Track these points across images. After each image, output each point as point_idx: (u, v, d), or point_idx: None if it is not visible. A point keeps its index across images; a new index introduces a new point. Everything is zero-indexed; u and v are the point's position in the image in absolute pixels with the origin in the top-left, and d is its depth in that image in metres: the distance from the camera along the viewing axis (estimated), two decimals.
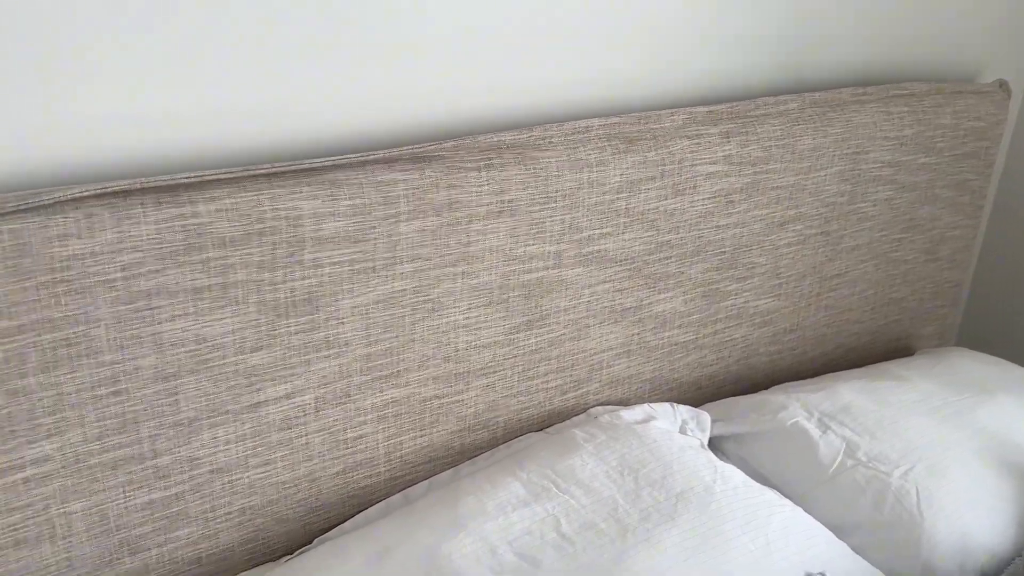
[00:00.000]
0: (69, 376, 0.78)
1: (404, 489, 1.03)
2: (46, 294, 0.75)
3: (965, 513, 1.03)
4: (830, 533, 0.98)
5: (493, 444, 1.12)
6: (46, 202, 0.74)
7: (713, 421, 1.19)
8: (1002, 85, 1.53)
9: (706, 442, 1.14)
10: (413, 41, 0.96)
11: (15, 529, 0.81)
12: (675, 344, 1.26)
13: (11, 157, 0.78)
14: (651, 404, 1.18)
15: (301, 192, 0.85)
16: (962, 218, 1.55)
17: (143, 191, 0.78)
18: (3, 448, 0.77)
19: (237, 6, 0.84)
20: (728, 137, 1.17)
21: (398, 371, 0.99)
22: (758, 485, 1.01)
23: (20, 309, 0.74)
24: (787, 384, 1.31)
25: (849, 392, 1.23)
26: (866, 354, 1.51)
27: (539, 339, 1.10)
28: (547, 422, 1.16)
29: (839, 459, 1.11)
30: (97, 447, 0.82)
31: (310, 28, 0.89)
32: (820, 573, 0.88)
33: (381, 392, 0.99)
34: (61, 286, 0.75)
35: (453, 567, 0.85)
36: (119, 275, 0.78)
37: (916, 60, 1.50)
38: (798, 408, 1.18)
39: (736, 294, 1.29)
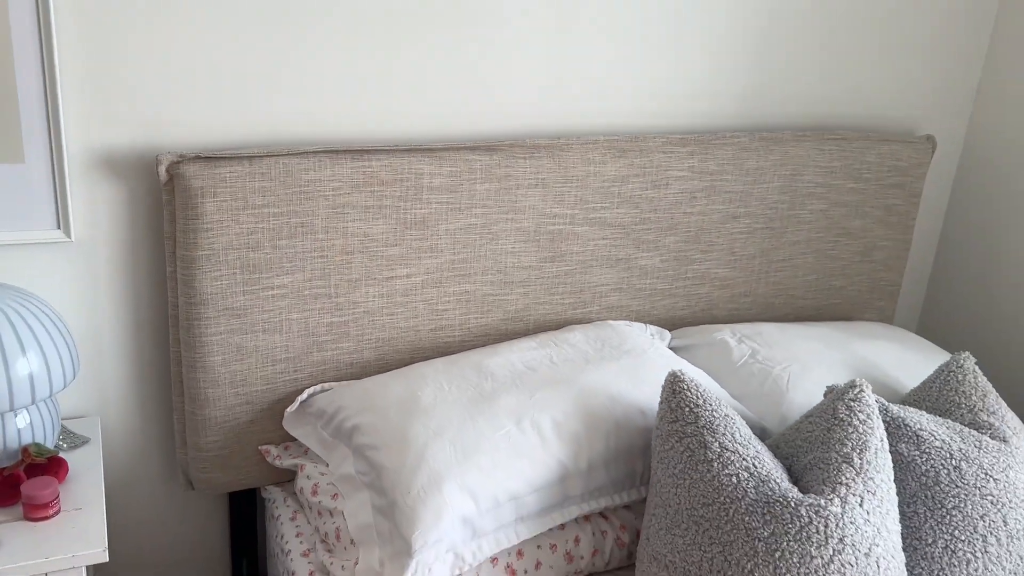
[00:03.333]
0: (299, 242, 1.53)
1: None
2: (296, 197, 1.50)
3: (816, 391, 1.62)
4: (717, 384, 1.61)
5: (526, 334, 1.80)
6: (298, 151, 1.49)
7: (671, 339, 1.84)
8: (928, 138, 2.13)
9: (662, 344, 1.78)
10: (491, 80, 1.69)
11: (265, 323, 1.55)
12: (654, 290, 1.91)
13: (260, 131, 1.55)
14: (631, 321, 1.84)
15: (423, 161, 1.58)
16: (892, 232, 2.13)
17: (346, 152, 1.53)
18: (266, 276, 1.52)
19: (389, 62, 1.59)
20: (692, 154, 1.84)
21: (469, 273, 1.70)
22: (677, 357, 1.65)
23: (282, 203, 1.50)
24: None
25: (767, 326, 1.85)
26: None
27: (558, 269, 1.79)
28: (562, 326, 1.83)
29: (744, 359, 1.73)
30: (307, 285, 1.56)
31: (443, 75, 1.63)
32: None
33: (459, 284, 1.70)
34: (302, 194, 1.51)
35: (489, 368, 1.54)
36: (330, 192, 1.52)
37: (860, 115, 2.11)
38: (727, 332, 1.81)
39: (700, 262, 1.93)
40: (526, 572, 1.39)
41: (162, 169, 1.42)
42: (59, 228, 1.44)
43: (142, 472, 1.66)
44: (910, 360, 1.77)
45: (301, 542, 1.49)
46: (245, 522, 1.75)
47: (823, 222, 2.04)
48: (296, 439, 1.60)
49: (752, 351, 1.74)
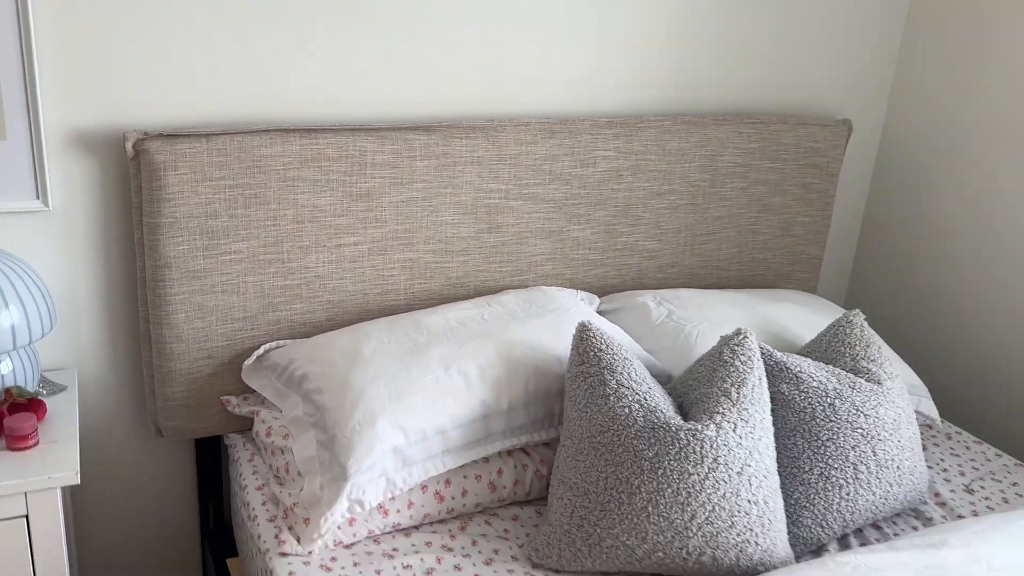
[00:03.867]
0: (254, 211, 1.71)
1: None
2: (249, 171, 1.68)
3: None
4: (629, 337, 1.79)
5: (466, 299, 1.98)
6: (251, 129, 1.68)
7: (599, 303, 2.02)
8: (844, 122, 2.31)
9: (589, 307, 1.96)
10: (431, 67, 1.87)
11: (223, 285, 1.73)
12: (586, 260, 2.09)
13: (217, 112, 1.73)
14: (562, 288, 2.02)
15: (367, 139, 1.77)
16: (812, 209, 2.32)
17: (295, 131, 1.71)
18: (224, 242, 1.70)
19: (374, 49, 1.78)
20: (618, 136, 2.02)
21: (412, 242, 1.88)
22: (596, 315, 1.83)
23: (237, 176, 1.68)
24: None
25: (686, 292, 2.03)
26: None
27: (495, 240, 1.97)
28: (500, 291, 2.01)
29: (662, 319, 1.91)
30: (261, 251, 1.74)
31: (392, 69, 1.82)
32: None
33: (402, 252, 1.88)
34: (255, 168, 1.69)
35: (426, 324, 1.72)
36: (280, 167, 1.70)
37: (780, 101, 2.30)
38: (649, 296, 2.00)
39: (628, 235, 2.12)
40: (453, 498, 1.58)
41: (129, 145, 1.60)
42: (38, 198, 1.62)
43: (115, 420, 1.84)
44: (815, 321, 1.96)
45: (256, 478, 1.67)
46: (210, 468, 1.93)
47: (744, 199, 2.22)
48: (253, 390, 1.78)
49: (669, 312, 1.93)
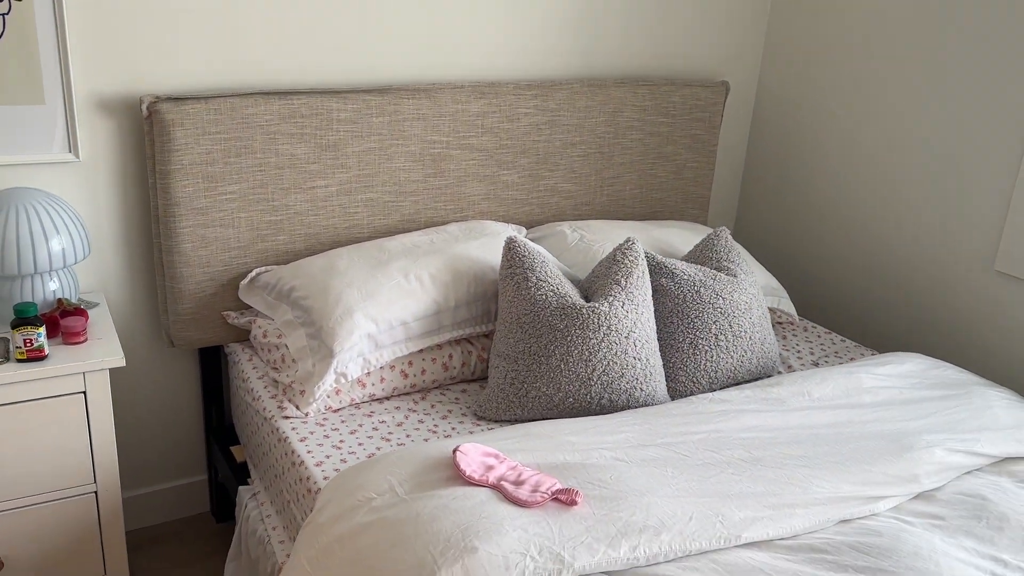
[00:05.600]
0: (243, 160, 2.13)
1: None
2: (239, 126, 2.10)
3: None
4: (547, 251, 2.27)
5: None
6: (240, 93, 2.09)
7: (526, 233, 2.49)
8: (723, 83, 2.82)
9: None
10: (384, 41, 2.31)
11: (221, 220, 2.15)
12: (515, 199, 2.56)
13: (236, 79, 2.15)
14: (496, 220, 2.49)
15: (332, 100, 2.20)
16: (698, 156, 2.83)
17: (275, 93, 2.13)
18: (221, 185, 2.11)
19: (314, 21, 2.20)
20: (536, 97, 2.49)
21: (372, 185, 2.32)
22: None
23: (229, 131, 2.09)
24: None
25: (596, 221, 2.52)
26: None
27: (440, 183, 2.42)
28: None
29: (576, 241, 2.39)
30: (251, 192, 2.17)
31: (341, 35, 2.25)
32: None
33: (364, 193, 2.32)
34: (244, 124, 2.11)
35: (387, 247, 2.16)
36: (264, 123, 2.13)
37: (675, 67, 2.80)
38: (566, 226, 2.48)
39: (549, 178, 2.59)
40: (415, 375, 2.04)
41: (144, 107, 2.00)
42: (71, 152, 2.01)
43: (134, 334, 2.24)
44: (694, 240, 2.46)
45: (256, 371, 2.11)
46: (212, 377, 2.35)
47: (642, 148, 2.72)
48: (249, 306, 2.20)
49: (581, 236, 2.41)
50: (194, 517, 2.44)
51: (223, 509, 2.44)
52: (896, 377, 2.01)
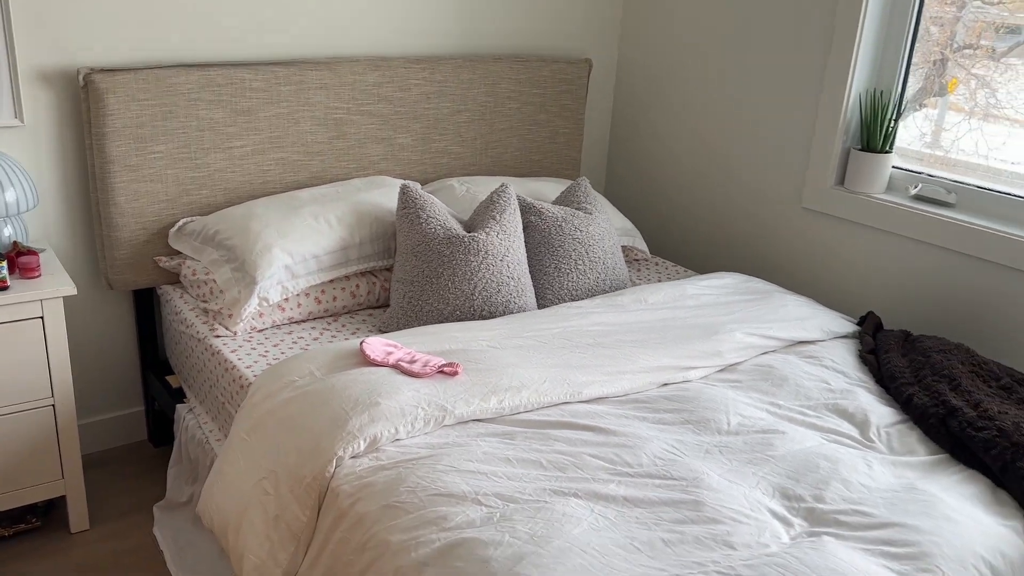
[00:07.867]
0: (169, 123, 2.46)
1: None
2: (164, 94, 2.43)
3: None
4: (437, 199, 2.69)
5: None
6: (163, 65, 2.43)
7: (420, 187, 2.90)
8: (586, 61, 3.29)
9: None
10: (292, 20, 2.68)
11: (151, 176, 2.47)
12: (410, 160, 2.97)
13: (160, 53, 2.47)
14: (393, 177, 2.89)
15: (244, 72, 2.55)
16: (568, 124, 3.29)
17: (194, 65, 2.47)
18: (150, 145, 2.44)
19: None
20: (424, 69, 2.90)
21: (282, 146, 2.69)
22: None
23: (156, 99, 2.42)
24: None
25: (478, 178, 2.95)
26: None
27: (343, 145, 2.80)
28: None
29: (463, 193, 2.82)
30: (176, 151, 2.50)
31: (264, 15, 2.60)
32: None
33: (276, 153, 2.68)
34: (168, 92, 2.44)
35: (299, 196, 2.54)
36: (185, 91, 2.47)
37: (545, 46, 3.25)
38: (454, 181, 2.90)
39: (439, 142, 3.01)
40: (328, 302, 2.43)
41: (80, 78, 2.32)
42: (16, 117, 2.31)
43: (76, 278, 2.55)
44: (562, 189, 2.92)
45: (187, 305, 2.45)
46: (147, 315, 2.67)
47: (519, 116, 3.16)
48: (178, 251, 2.54)
49: (467, 188, 2.84)
50: (134, 444, 2.76)
51: (159, 435, 2.77)
52: (715, 288, 2.52)
